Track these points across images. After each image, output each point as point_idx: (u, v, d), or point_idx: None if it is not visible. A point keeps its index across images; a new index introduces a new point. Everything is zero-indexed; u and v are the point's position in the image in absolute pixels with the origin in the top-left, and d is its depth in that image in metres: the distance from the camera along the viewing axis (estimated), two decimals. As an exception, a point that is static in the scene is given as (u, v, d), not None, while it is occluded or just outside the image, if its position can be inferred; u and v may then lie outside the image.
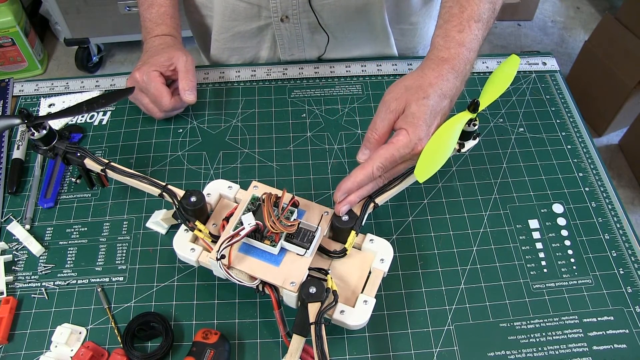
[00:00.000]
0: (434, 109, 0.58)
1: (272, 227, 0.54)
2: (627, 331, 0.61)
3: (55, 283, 0.63)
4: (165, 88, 0.72)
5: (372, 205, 0.60)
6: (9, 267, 0.64)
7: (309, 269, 0.56)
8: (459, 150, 0.63)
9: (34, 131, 0.59)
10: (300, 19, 0.80)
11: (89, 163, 0.62)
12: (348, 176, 0.58)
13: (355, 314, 0.55)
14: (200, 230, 0.58)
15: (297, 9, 0.79)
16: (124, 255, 0.65)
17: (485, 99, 0.60)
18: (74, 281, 0.63)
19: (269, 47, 0.87)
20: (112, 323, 0.60)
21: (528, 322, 0.61)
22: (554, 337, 0.60)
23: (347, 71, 0.84)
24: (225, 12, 0.81)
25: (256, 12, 0.80)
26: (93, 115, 0.78)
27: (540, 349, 0.59)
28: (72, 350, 0.57)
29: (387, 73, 0.84)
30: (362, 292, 0.56)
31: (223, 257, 0.54)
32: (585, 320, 0.61)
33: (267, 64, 0.87)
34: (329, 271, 0.57)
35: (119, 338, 0.59)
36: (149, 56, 0.74)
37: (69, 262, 0.65)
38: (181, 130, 0.77)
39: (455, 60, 0.61)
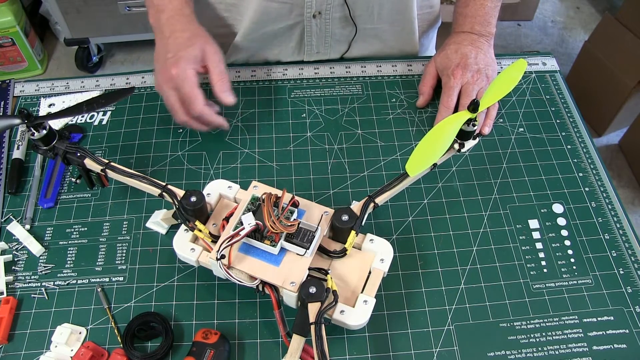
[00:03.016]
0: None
1: (272, 227, 0.54)
2: (627, 331, 0.61)
3: (55, 283, 0.63)
4: (200, 91, 0.67)
5: (372, 205, 0.60)
6: (9, 267, 0.64)
7: (309, 269, 0.56)
8: (459, 150, 0.63)
9: (34, 131, 0.59)
10: (332, 13, 0.81)
11: (89, 163, 0.62)
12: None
13: (355, 314, 0.55)
14: (200, 230, 0.58)
15: (332, 3, 0.79)
16: (124, 255, 0.65)
17: (486, 100, 0.60)
18: (74, 281, 0.63)
19: (294, 45, 0.86)
20: (112, 323, 0.60)
21: (528, 322, 0.61)
22: (554, 337, 0.60)
23: (347, 72, 0.84)
24: (256, 15, 0.81)
25: (288, 10, 0.80)
26: (93, 115, 0.78)
27: (540, 349, 0.59)
28: (72, 350, 0.57)
29: (386, 74, 0.84)
30: (362, 292, 0.56)
31: (223, 257, 0.54)
32: (585, 320, 0.61)
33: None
34: (329, 271, 0.57)
35: (119, 338, 0.59)
36: (177, 47, 0.66)
37: (69, 262, 0.65)
38: (181, 130, 0.77)
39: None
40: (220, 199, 0.63)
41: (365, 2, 0.80)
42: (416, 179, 0.64)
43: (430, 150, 0.58)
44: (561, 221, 0.69)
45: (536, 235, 0.68)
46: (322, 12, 0.80)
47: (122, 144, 0.75)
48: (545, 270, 0.65)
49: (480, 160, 0.75)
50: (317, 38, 0.84)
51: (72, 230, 0.67)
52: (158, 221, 0.66)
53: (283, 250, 0.56)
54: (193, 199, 0.58)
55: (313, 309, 0.52)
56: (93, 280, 0.63)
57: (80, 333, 0.59)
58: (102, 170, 0.62)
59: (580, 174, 0.74)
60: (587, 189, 0.72)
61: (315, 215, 0.59)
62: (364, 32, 0.85)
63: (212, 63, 0.67)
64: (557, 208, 0.70)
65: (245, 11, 0.82)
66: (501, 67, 0.85)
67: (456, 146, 0.63)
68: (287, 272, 0.55)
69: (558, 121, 0.79)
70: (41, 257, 0.65)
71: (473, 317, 0.61)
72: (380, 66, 0.85)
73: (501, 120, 0.79)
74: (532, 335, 0.60)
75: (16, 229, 0.66)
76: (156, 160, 0.74)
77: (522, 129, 0.78)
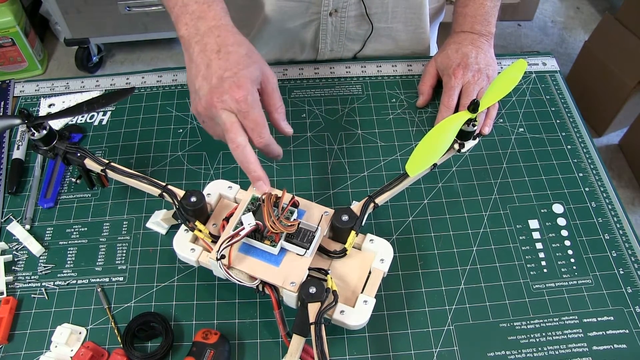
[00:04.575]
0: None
1: (272, 227, 0.54)
2: (627, 331, 0.61)
3: (55, 283, 0.63)
4: (264, 115, 0.58)
5: (372, 205, 0.60)
6: (9, 267, 0.64)
7: (309, 269, 0.56)
8: (459, 151, 0.63)
9: (34, 131, 0.59)
10: (348, 11, 0.81)
11: (89, 163, 0.62)
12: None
13: (355, 314, 0.55)
14: (200, 231, 0.58)
15: (348, 1, 0.79)
16: (124, 255, 0.65)
17: (487, 100, 0.60)
18: (74, 281, 0.63)
19: (308, 44, 0.86)
20: (112, 323, 0.60)
21: (528, 322, 0.61)
22: (554, 337, 0.60)
23: (347, 72, 0.84)
24: (271, 14, 0.81)
25: (304, 8, 0.80)
26: (93, 115, 0.78)
27: (540, 349, 0.59)
28: (72, 350, 0.57)
29: (386, 74, 0.84)
30: (362, 292, 0.56)
31: (223, 257, 0.54)
32: (585, 320, 0.61)
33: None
34: (329, 271, 0.57)
35: (119, 338, 0.59)
36: (236, 64, 0.56)
37: (69, 262, 0.65)
38: (181, 130, 0.77)
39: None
40: (220, 199, 0.63)
41: (381, 0, 0.81)
42: (416, 179, 0.64)
43: (430, 150, 0.58)
44: (561, 221, 0.69)
45: (536, 235, 0.68)
46: (339, 9, 0.80)
47: (122, 144, 0.75)
48: (545, 270, 0.65)
49: (480, 160, 0.75)
50: (331, 36, 0.84)
51: (72, 230, 0.67)
52: (158, 221, 0.66)
53: (283, 250, 0.56)
54: (193, 199, 0.58)
55: (313, 309, 0.52)
56: (93, 280, 0.63)
57: (80, 333, 0.59)
58: (102, 170, 0.62)
59: (580, 174, 0.74)
60: (587, 189, 0.72)
61: (315, 215, 0.59)
62: (377, 32, 0.85)
63: (272, 86, 0.59)
64: (557, 208, 0.70)
65: (260, 10, 0.82)
66: (501, 67, 0.85)
67: (456, 146, 0.63)
68: (287, 272, 0.55)
69: (558, 121, 0.79)
70: (41, 257, 0.65)
71: (473, 317, 0.61)
72: (380, 66, 0.85)
73: (501, 120, 0.79)
74: (532, 336, 0.60)
75: (16, 229, 0.66)
76: (156, 160, 0.74)
77: (522, 129, 0.78)
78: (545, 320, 0.61)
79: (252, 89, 0.56)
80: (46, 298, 0.62)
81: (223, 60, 0.56)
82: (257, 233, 0.55)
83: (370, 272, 0.58)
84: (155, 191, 0.61)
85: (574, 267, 0.65)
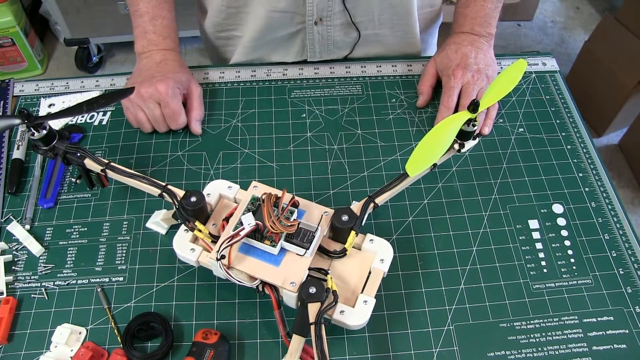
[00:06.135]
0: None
1: (272, 227, 0.54)
2: (627, 331, 0.61)
3: (55, 283, 0.63)
4: (182, 107, 0.74)
5: (372, 205, 0.61)
6: (9, 267, 0.64)
7: (309, 269, 0.56)
8: (459, 151, 0.63)
9: (34, 131, 0.59)
10: (333, 20, 0.81)
11: (89, 163, 0.62)
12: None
13: (355, 314, 0.55)
14: (200, 231, 0.58)
15: (332, 10, 0.79)
16: (124, 255, 0.65)
17: (486, 100, 0.60)
18: (74, 281, 0.63)
19: (296, 51, 0.87)
20: (112, 323, 0.60)
21: (528, 322, 0.61)
22: (553, 337, 0.60)
23: (346, 72, 0.84)
24: (259, 23, 0.81)
25: (289, 18, 0.81)
26: (93, 115, 0.78)
27: (540, 349, 0.59)
28: (72, 350, 0.57)
29: (386, 74, 0.84)
30: (362, 292, 0.56)
31: (223, 257, 0.54)
32: (585, 320, 0.61)
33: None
34: (329, 271, 0.57)
35: (118, 338, 0.59)
36: (165, 70, 0.74)
37: (69, 262, 0.65)
38: (181, 130, 0.77)
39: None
40: (220, 199, 0.63)
41: (365, 8, 0.81)
42: (416, 179, 0.64)
43: (430, 150, 0.58)
44: (561, 221, 0.69)
45: (536, 235, 0.68)
46: (323, 18, 0.80)
47: (122, 144, 0.75)
48: (545, 270, 0.65)
49: (480, 160, 0.75)
50: (319, 45, 0.84)
51: (72, 230, 0.67)
52: (158, 221, 0.66)
53: (283, 250, 0.56)
54: (193, 199, 0.58)
55: (313, 309, 0.52)
56: (93, 280, 0.63)
57: (80, 333, 0.59)
58: (102, 170, 0.62)
59: (580, 174, 0.74)
60: (587, 189, 0.72)
61: (315, 215, 0.59)
62: (365, 38, 0.85)
63: (195, 91, 0.76)
64: (557, 208, 0.70)
65: (248, 19, 0.83)
66: (501, 67, 0.85)
67: (456, 146, 0.63)
68: (287, 272, 0.55)
69: (558, 121, 0.79)
70: (41, 257, 0.65)
71: (473, 317, 0.61)
72: (380, 66, 0.85)
73: (501, 120, 0.79)
74: (532, 336, 0.60)
75: (16, 229, 0.66)
76: (156, 160, 0.74)
77: (522, 129, 0.78)
78: (545, 320, 0.61)
79: (174, 86, 0.72)
80: (46, 298, 0.62)
81: (160, 67, 0.75)
82: (257, 233, 0.55)
83: (370, 272, 0.58)
84: (155, 191, 0.61)
85: (574, 267, 0.65)
